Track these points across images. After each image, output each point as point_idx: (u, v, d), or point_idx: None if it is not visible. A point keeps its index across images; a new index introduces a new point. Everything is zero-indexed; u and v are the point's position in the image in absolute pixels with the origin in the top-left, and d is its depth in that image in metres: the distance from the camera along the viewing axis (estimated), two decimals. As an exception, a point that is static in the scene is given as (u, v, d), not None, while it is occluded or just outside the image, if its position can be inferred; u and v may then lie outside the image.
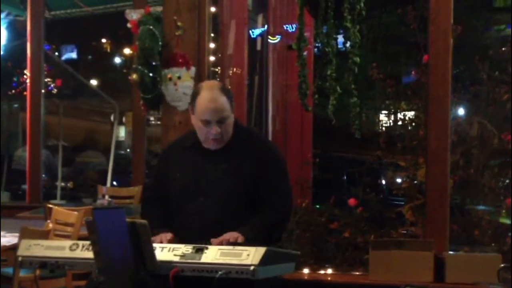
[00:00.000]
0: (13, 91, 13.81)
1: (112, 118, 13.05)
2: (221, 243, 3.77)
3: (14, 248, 5.52)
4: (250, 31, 10.55)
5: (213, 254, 3.43)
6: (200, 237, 3.85)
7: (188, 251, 3.49)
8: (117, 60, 30.92)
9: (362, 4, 6.37)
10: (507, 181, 7.96)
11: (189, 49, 6.85)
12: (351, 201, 7.85)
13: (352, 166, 12.14)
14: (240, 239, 3.84)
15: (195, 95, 4.17)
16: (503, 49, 8.50)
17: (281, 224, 4.25)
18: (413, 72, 8.27)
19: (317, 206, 8.47)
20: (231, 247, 3.50)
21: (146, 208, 4.41)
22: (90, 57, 31.85)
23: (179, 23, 6.80)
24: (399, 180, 9.07)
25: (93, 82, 24.09)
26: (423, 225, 7.00)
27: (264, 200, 4.07)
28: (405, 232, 7.54)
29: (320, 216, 7.85)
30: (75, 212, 6.64)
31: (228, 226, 3.98)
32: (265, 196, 4.08)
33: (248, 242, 3.78)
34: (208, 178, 4.14)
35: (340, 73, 6.52)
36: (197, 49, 6.87)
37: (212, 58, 7.35)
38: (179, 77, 6.75)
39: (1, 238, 6.29)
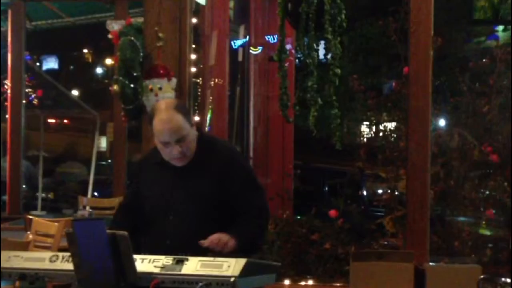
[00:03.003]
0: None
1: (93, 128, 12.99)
2: (210, 244, 3.77)
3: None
4: (232, 42, 10.58)
5: (194, 266, 3.42)
6: (171, 254, 3.83)
7: (168, 262, 3.48)
8: (99, 70, 30.91)
9: (343, 16, 6.41)
10: (487, 192, 8.00)
11: (170, 60, 6.85)
12: (332, 213, 7.86)
13: (333, 178, 12.18)
14: (231, 242, 3.83)
15: (151, 117, 4.09)
16: (483, 61, 8.55)
17: (263, 230, 4.25)
18: (393, 84, 8.31)
19: (298, 217, 8.48)
20: (211, 258, 3.49)
21: (116, 215, 4.42)
22: (71, 67, 31.82)
23: (160, 34, 6.80)
24: (380, 191, 9.10)
25: (75, 92, 24.04)
26: (404, 236, 7.02)
27: (240, 211, 4.06)
28: (385, 243, 7.56)
29: (301, 228, 7.86)
30: (56, 223, 6.60)
31: (197, 242, 3.94)
32: (240, 207, 4.07)
33: (238, 245, 3.83)
34: (176, 197, 4.10)
35: (321, 85, 6.54)
36: (178, 60, 6.87)
37: (193, 69, 7.35)
38: (160, 88, 6.74)
39: (-20, 249, 6.24)
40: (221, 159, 4.15)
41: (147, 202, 4.20)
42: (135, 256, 3.47)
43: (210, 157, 4.13)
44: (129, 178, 10.67)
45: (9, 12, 9.96)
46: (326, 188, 13.49)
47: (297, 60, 9.90)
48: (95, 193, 12.19)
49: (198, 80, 8.91)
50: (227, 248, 3.84)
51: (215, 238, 3.85)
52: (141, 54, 6.81)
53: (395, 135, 8.37)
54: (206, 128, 8.14)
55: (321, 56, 6.66)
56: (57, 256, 3.66)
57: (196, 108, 8.12)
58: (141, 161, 4.58)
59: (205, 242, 3.83)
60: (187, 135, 4.03)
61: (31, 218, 7.07)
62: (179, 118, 4.00)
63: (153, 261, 3.50)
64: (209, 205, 4.06)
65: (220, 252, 3.77)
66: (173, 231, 4.07)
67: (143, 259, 3.52)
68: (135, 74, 6.78)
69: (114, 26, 7.00)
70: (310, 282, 7.04)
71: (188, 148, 4.05)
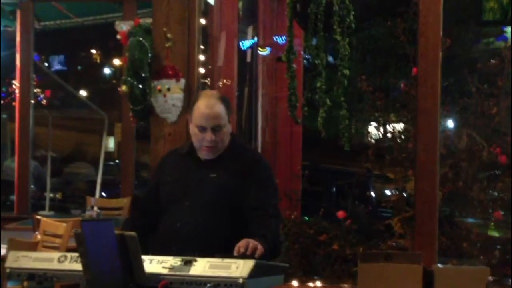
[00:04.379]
0: (2, 101, 13.76)
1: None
2: (239, 249, 3.75)
3: (1, 259, 5.50)
4: (240, 43, 10.57)
5: (202, 267, 3.42)
6: (182, 240, 3.87)
7: (176, 263, 3.48)
8: (107, 71, 30.97)
9: (351, 17, 6.40)
10: (496, 193, 7.98)
11: (178, 61, 6.85)
12: (340, 213, 7.85)
13: (341, 178, 12.17)
14: (260, 247, 3.81)
15: (193, 102, 4.24)
16: (492, 62, 8.52)
17: (278, 234, 4.28)
18: (402, 85, 8.29)
19: (306, 218, 8.47)
20: (220, 259, 3.49)
21: (128, 223, 4.45)
22: (79, 67, 31.88)
23: (168, 35, 6.80)
24: (388, 192, 9.08)
25: (83, 92, 24.09)
26: (412, 237, 7.01)
27: (254, 213, 4.07)
28: (393, 244, 7.54)
29: (309, 228, 7.85)
30: (64, 224, 6.62)
31: (210, 232, 4.03)
32: (254, 209, 4.08)
33: (266, 249, 3.80)
34: (196, 184, 4.17)
35: (330, 86, 6.54)
36: (186, 61, 6.87)
37: (202, 70, 7.34)
38: (168, 89, 6.75)
39: (-11, 249, 6.26)
40: (246, 160, 4.24)
41: (165, 188, 4.27)
42: (143, 257, 3.48)
43: (237, 158, 4.22)
44: (138, 179, 10.71)
45: (18, 12, 9.99)
46: (334, 189, 13.47)
47: (305, 61, 9.88)
48: (103, 194, 12.21)
49: (207, 81, 8.91)
50: (258, 251, 3.77)
51: (245, 243, 3.81)
52: (150, 54, 6.81)
53: (403, 136, 8.35)
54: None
55: (329, 57, 6.67)
56: (66, 256, 3.66)
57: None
58: (164, 156, 4.67)
59: (238, 251, 3.79)
60: (224, 126, 4.15)
61: (39, 218, 7.08)
62: (221, 107, 4.15)
63: (162, 262, 3.50)
64: (226, 197, 4.12)
65: (231, 254, 3.75)
66: (186, 218, 4.12)
67: (151, 260, 3.52)
68: (143, 74, 6.78)
69: (123, 26, 7.01)
70: (318, 283, 7.03)
71: (221, 139, 4.16)
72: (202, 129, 4.12)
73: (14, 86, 10.69)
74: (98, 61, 31.35)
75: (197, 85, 7.02)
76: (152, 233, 4.17)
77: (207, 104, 4.13)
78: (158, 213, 4.25)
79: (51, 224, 6.81)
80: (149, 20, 7.05)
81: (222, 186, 4.13)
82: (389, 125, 8.82)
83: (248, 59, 10.57)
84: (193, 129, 4.19)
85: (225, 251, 3.71)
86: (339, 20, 6.31)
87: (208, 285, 3.33)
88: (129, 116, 7.24)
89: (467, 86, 8.42)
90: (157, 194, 4.30)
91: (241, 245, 3.78)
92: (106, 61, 29.99)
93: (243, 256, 3.66)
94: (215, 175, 4.16)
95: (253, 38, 10.57)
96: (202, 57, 7.32)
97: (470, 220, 7.96)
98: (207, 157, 4.19)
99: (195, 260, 3.45)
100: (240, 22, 9.78)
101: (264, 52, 10.09)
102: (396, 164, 8.11)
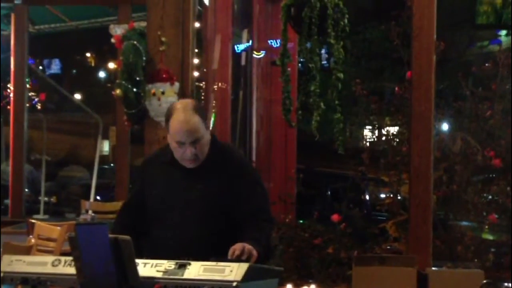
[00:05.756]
0: (-2, 105, 13.76)
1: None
2: (233, 253, 3.77)
3: (-4, 263, 5.48)
4: (235, 46, 10.58)
5: (196, 270, 3.42)
6: (174, 254, 3.85)
7: (170, 267, 3.47)
8: (102, 74, 30.98)
9: (346, 20, 6.40)
10: (490, 197, 7.99)
11: (173, 64, 6.85)
12: (335, 217, 7.85)
13: (336, 182, 12.17)
14: (254, 251, 3.83)
15: (168, 116, 4.12)
16: (486, 65, 8.54)
17: (271, 235, 4.29)
18: (396, 88, 8.30)
19: (301, 222, 8.47)
20: (214, 263, 3.49)
21: (119, 216, 4.49)
22: (74, 71, 31.89)
23: (163, 39, 6.81)
24: (382, 196, 9.09)
25: (77, 96, 24.10)
26: (407, 241, 7.01)
27: (247, 219, 4.07)
28: (388, 248, 7.55)
29: (304, 232, 7.86)
30: (58, 227, 6.61)
31: (202, 244, 4.01)
32: (247, 215, 4.08)
33: (260, 253, 3.82)
34: (184, 196, 4.13)
35: (324, 89, 6.54)
36: (181, 65, 6.87)
37: (196, 73, 7.34)
38: (163, 92, 6.75)
39: (-17, 253, 6.24)
40: (232, 165, 4.19)
41: (153, 200, 4.22)
42: (137, 261, 3.47)
43: (221, 162, 4.17)
44: (132, 179, 10.70)
45: (12, 16, 9.98)
46: (329, 192, 13.47)
47: (299, 65, 9.89)
48: (98, 197, 12.16)
49: (201, 84, 8.91)
50: (252, 257, 3.80)
51: (240, 247, 3.83)
52: (144, 58, 6.82)
53: (397, 140, 8.36)
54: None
55: (324, 61, 6.67)
56: (60, 260, 3.66)
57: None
58: (146, 161, 4.59)
59: (232, 253, 3.81)
60: (202, 137, 4.07)
61: (33, 222, 7.07)
62: (196, 119, 4.05)
63: (156, 266, 3.50)
64: (215, 207, 4.09)
65: (226, 258, 3.75)
66: (176, 231, 4.10)
67: (145, 264, 3.52)
68: (138, 78, 6.78)
69: (117, 30, 7.01)
70: (313, 286, 6.99)
71: (201, 150, 4.08)
72: (181, 144, 4.05)
73: (8, 90, 10.68)
74: (93, 64, 31.38)
75: (192, 89, 7.02)
76: (140, 238, 4.14)
77: (183, 119, 4.02)
78: (144, 218, 4.23)
79: (46, 227, 6.80)
80: (143, 24, 7.06)
81: (210, 197, 4.10)
82: (384, 129, 8.83)
83: (243, 62, 10.57)
84: (172, 143, 4.11)
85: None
86: (333, 23, 6.30)
87: (202, 288, 3.33)
88: (124, 120, 7.24)
89: (461, 89, 8.45)
90: (143, 199, 4.26)
91: (236, 247, 3.78)
92: (101, 65, 30.01)
93: (237, 260, 3.66)
94: (202, 186, 4.12)
95: (247, 41, 10.58)
96: (196, 61, 7.32)
97: (464, 223, 7.98)
98: (191, 167, 4.15)
99: (189, 264, 3.45)
100: (235, 26, 9.79)
101: (258, 55, 10.09)
102: (391, 168, 8.13)
